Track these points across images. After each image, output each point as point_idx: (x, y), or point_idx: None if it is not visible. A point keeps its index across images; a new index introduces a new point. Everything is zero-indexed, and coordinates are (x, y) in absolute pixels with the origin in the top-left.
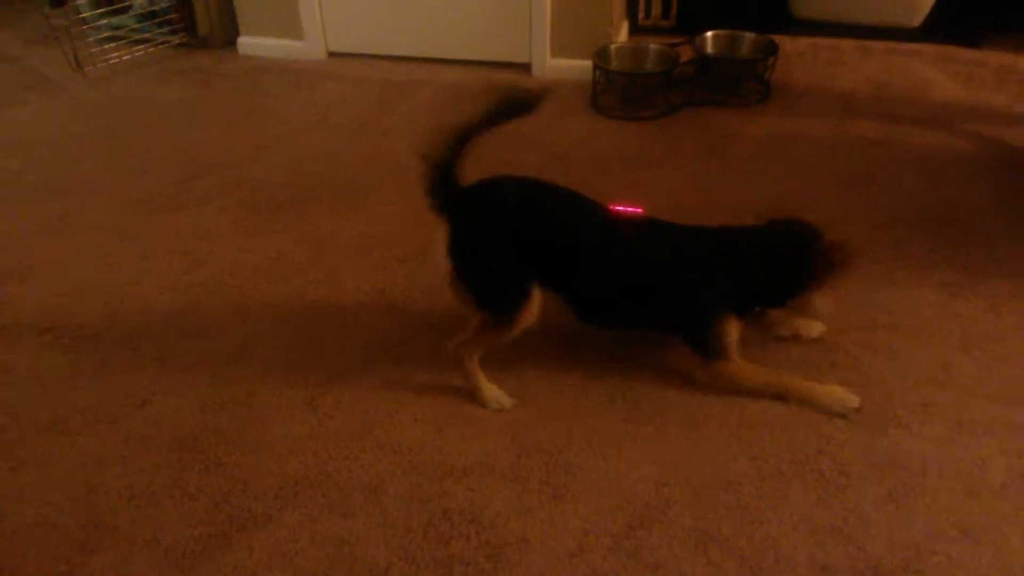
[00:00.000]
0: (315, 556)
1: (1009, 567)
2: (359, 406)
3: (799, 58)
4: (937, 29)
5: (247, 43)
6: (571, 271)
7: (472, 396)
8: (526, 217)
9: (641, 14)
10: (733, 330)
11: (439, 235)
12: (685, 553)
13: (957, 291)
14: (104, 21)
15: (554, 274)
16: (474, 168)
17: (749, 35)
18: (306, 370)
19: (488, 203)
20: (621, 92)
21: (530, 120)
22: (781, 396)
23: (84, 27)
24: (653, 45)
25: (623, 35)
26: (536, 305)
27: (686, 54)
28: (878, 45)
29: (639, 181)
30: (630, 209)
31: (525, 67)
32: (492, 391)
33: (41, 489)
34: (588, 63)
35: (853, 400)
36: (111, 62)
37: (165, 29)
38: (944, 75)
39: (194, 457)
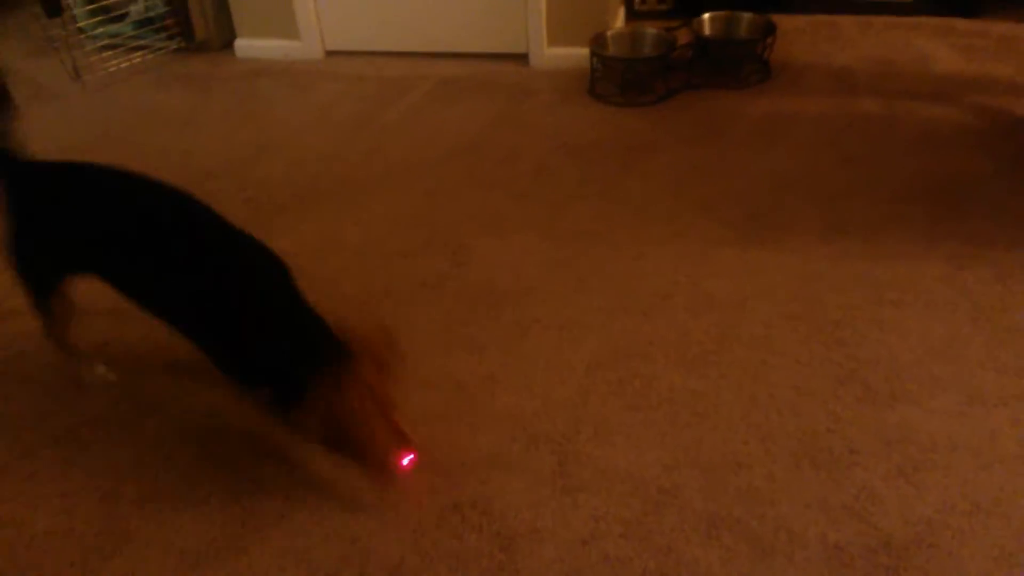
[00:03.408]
0: (328, 553)
1: (1021, 537)
2: None
3: (798, 36)
4: (937, 1)
5: (244, 46)
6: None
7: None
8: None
9: None
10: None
11: None
12: (697, 536)
13: (964, 263)
14: (101, 30)
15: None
16: (476, 156)
17: (747, 15)
18: None
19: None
20: (619, 78)
21: (530, 108)
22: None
23: (81, 36)
24: (650, 29)
25: (620, 21)
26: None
27: (684, 37)
28: (877, 20)
29: (639, 167)
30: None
31: (523, 57)
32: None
33: (55, 498)
34: (585, 50)
35: None
36: (109, 70)
37: (162, 35)
38: (945, 47)
39: (205, 460)
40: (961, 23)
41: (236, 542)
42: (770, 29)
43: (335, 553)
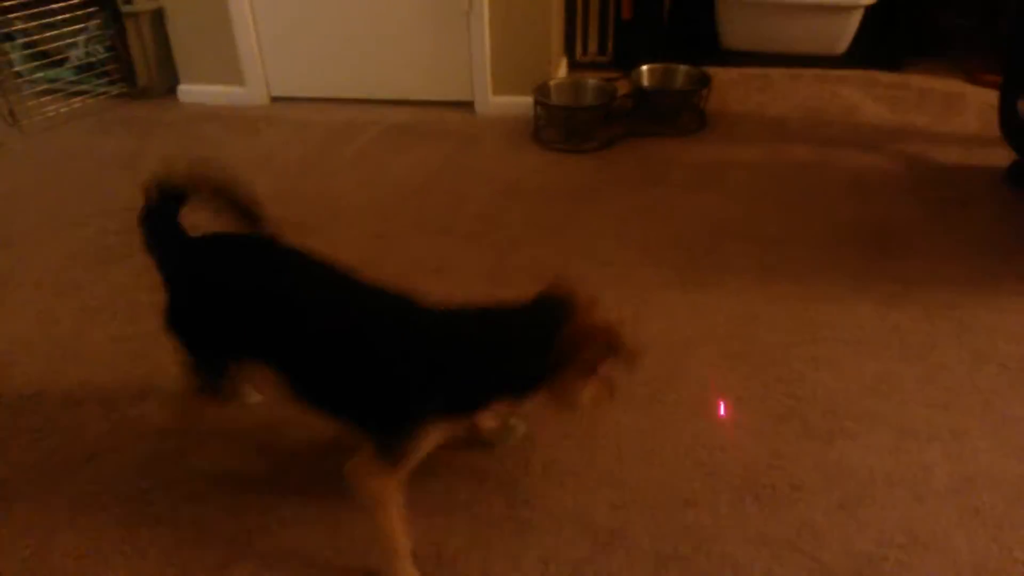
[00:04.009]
0: None
1: (957, 568)
2: (314, 450)
3: (732, 87)
4: (861, 55)
5: (188, 91)
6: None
7: None
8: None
9: (579, 50)
10: (432, 439)
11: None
12: (645, 575)
13: (894, 303)
14: (40, 75)
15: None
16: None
17: (683, 67)
18: (253, 416)
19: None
20: (563, 126)
21: (476, 154)
22: (384, 550)
23: (19, 80)
24: (591, 80)
25: (562, 71)
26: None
27: (623, 87)
28: (806, 72)
29: (583, 212)
30: None
31: (469, 105)
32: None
33: None
34: (529, 99)
35: None
36: (48, 115)
37: (103, 80)
38: (870, 99)
39: (144, 511)
40: (883, 76)
41: None
42: (705, 80)
43: None
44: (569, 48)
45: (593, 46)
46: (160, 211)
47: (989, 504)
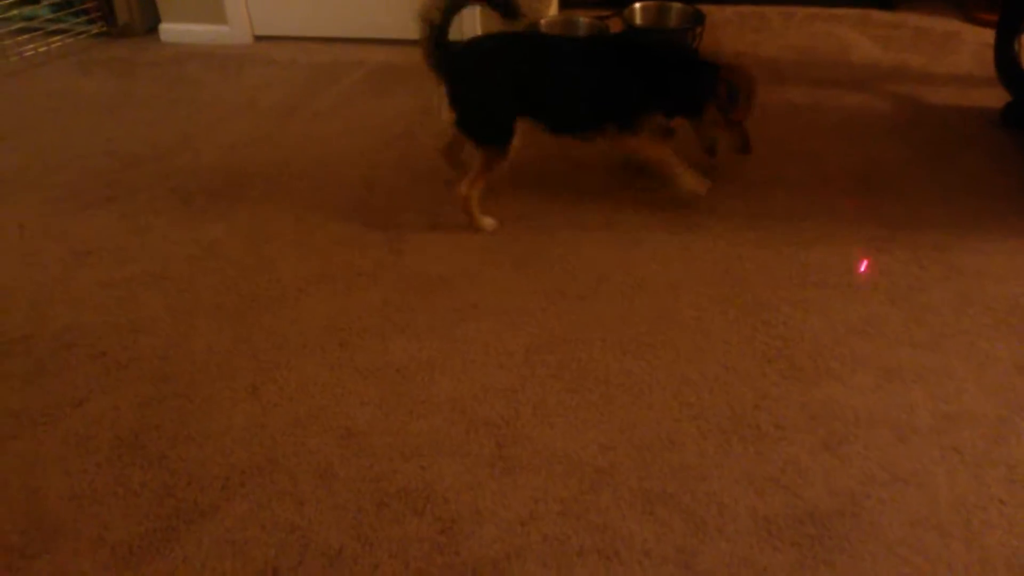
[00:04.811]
0: (266, 543)
1: (936, 505)
2: (304, 391)
3: (726, 26)
4: None
5: (169, 30)
6: (546, 97)
7: (471, 228)
8: (508, 64)
9: None
10: (653, 121)
11: (440, 91)
12: (633, 513)
13: (882, 246)
14: (15, 12)
15: (533, 103)
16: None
17: (676, 5)
18: (247, 358)
19: (477, 58)
20: None
21: None
22: (661, 170)
23: None
24: (583, 18)
25: (553, 9)
26: (520, 135)
27: (615, 26)
28: (801, 11)
29: (572, 153)
30: None
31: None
32: (486, 219)
33: None
34: None
35: (701, 187)
36: (26, 55)
37: (82, 19)
38: (865, 38)
39: (136, 453)
40: (878, 14)
41: (170, 535)
42: (699, 19)
43: (273, 542)
44: None
45: None
46: (441, 30)
47: (970, 443)
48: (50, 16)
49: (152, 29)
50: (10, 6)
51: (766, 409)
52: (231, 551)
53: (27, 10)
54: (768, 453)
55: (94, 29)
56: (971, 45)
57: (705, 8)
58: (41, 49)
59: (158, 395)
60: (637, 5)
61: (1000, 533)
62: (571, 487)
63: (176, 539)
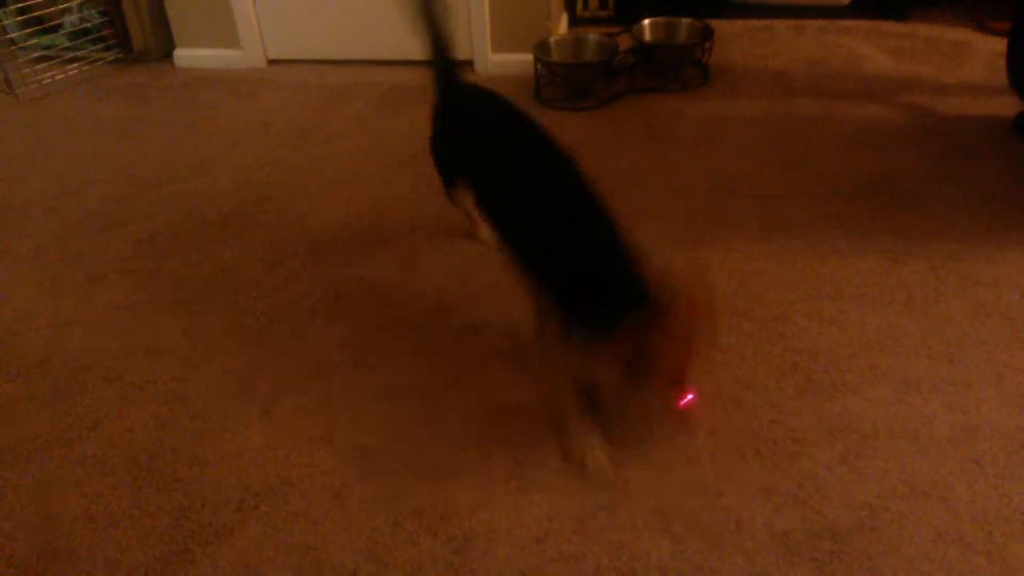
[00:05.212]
0: (281, 564)
1: (957, 518)
2: (318, 412)
3: (735, 41)
4: (866, 5)
5: (184, 55)
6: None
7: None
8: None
9: (579, 5)
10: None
11: None
12: (648, 531)
13: (898, 257)
14: (34, 41)
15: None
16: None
17: (685, 21)
18: (262, 380)
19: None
20: (564, 83)
21: None
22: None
23: (13, 48)
24: (592, 36)
25: (563, 27)
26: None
27: (625, 43)
28: (811, 24)
29: (586, 169)
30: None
31: (468, 64)
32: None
33: None
34: (530, 57)
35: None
36: (44, 82)
37: (99, 46)
38: (876, 49)
39: (151, 476)
40: (889, 25)
41: (186, 557)
42: (708, 34)
43: (288, 564)
44: (569, 3)
45: (594, 1)
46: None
47: (990, 454)
48: (67, 44)
49: (167, 55)
50: (29, 35)
51: (783, 423)
52: (246, 573)
53: (46, 39)
54: (785, 468)
55: (110, 56)
56: (983, 54)
57: (714, 23)
58: (59, 76)
59: (173, 417)
60: (646, 22)
61: (1023, 546)
62: (586, 505)
63: (191, 561)
